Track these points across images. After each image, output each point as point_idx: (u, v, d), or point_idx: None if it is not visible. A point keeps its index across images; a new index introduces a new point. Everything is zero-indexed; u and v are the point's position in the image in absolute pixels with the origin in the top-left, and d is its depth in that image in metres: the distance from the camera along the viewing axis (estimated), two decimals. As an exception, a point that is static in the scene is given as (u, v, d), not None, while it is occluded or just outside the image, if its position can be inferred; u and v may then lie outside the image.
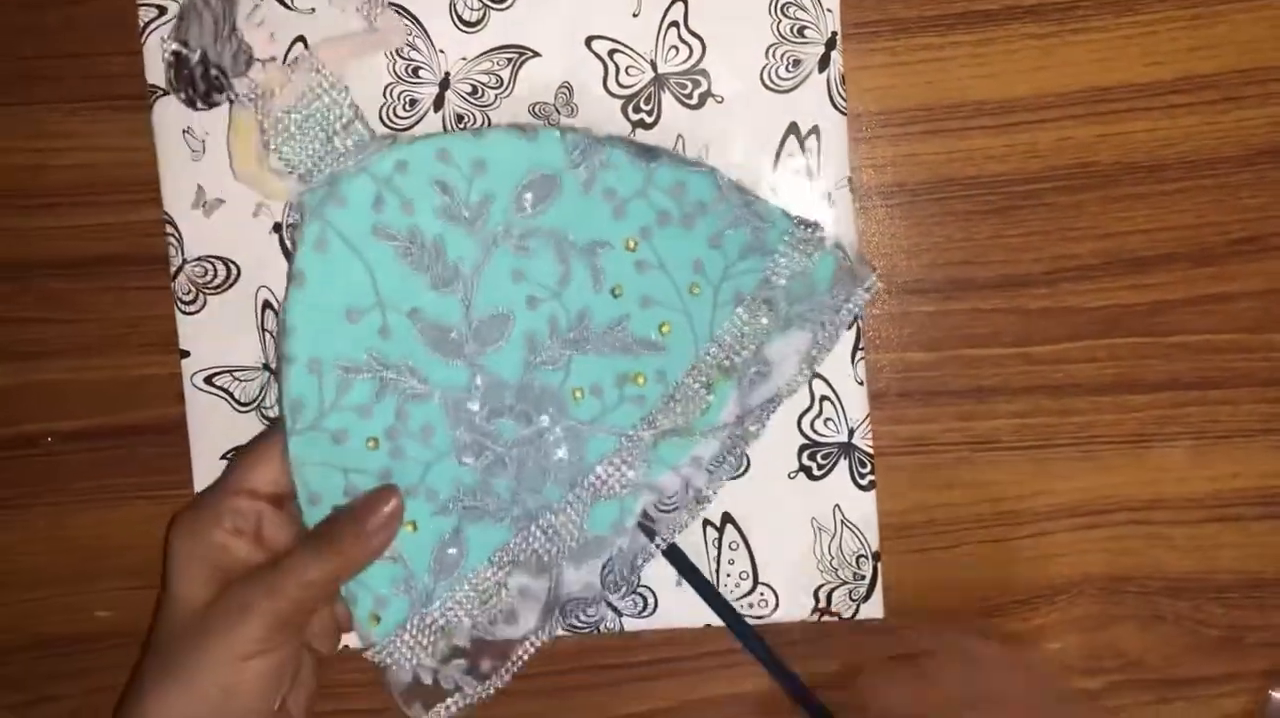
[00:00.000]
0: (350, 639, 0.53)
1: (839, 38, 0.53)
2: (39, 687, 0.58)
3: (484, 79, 0.53)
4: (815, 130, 0.53)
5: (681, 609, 0.54)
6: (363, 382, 0.50)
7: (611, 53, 0.53)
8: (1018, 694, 0.49)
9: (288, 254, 0.53)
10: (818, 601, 0.55)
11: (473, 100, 0.53)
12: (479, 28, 0.53)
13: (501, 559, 0.51)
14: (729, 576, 0.55)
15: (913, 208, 0.55)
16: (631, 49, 0.53)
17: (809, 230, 0.52)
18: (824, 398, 0.54)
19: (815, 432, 0.54)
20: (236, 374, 0.54)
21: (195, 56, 0.51)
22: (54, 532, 0.57)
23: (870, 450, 0.54)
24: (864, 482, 0.54)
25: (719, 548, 0.55)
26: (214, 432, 0.55)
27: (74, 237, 0.55)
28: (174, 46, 0.51)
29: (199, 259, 0.54)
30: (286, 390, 0.50)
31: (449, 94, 0.53)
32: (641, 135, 0.53)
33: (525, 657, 0.51)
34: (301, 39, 0.53)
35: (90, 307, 0.56)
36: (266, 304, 0.54)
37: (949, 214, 0.55)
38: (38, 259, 0.55)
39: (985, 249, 0.55)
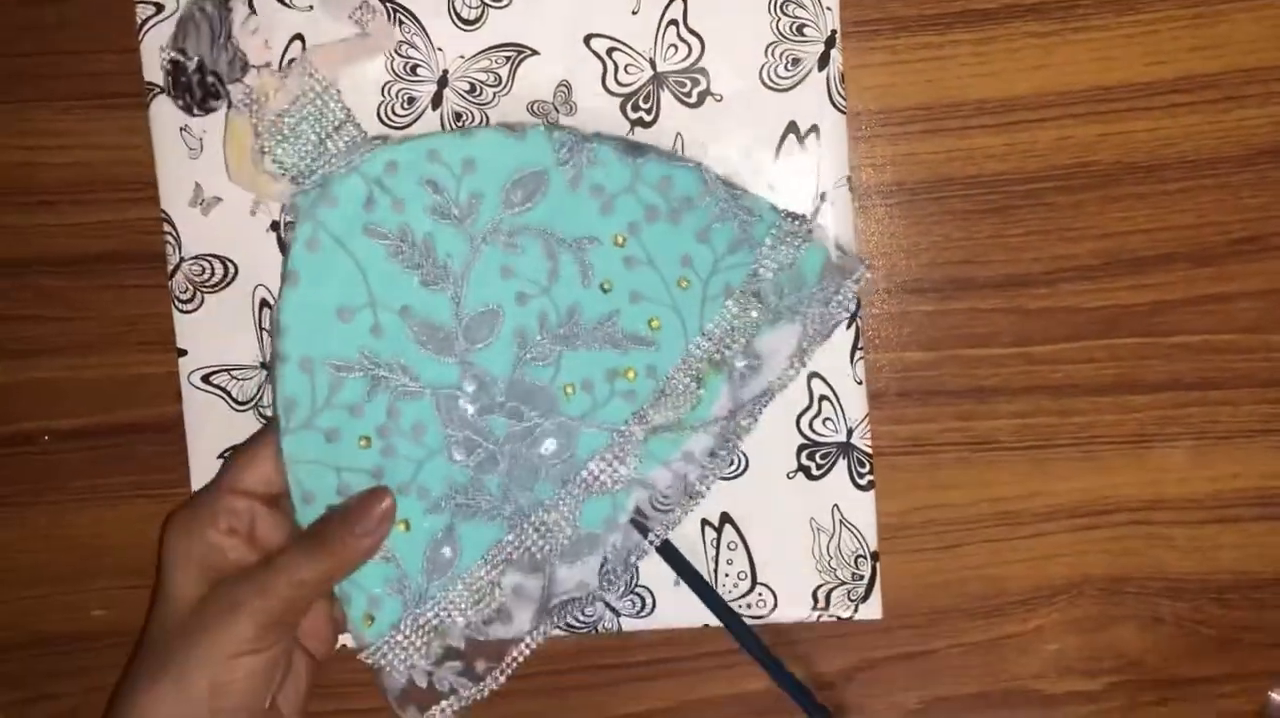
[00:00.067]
0: (349, 639, 0.53)
1: (838, 36, 0.53)
2: (38, 685, 0.58)
3: (482, 77, 0.53)
4: (814, 129, 0.53)
5: (680, 609, 0.54)
6: (354, 380, 0.50)
7: (610, 51, 0.53)
8: None
9: (285, 253, 0.53)
10: (816, 601, 0.55)
11: (471, 99, 0.53)
12: (477, 26, 0.53)
13: (494, 558, 0.51)
14: (727, 575, 0.55)
15: (912, 207, 0.55)
16: (630, 47, 0.53)
17: (796, 223, 0.52)
18: (823, 398, 0.54)
19: (814, 431, 0.54)
20: (234, 373, 0.54)
21: (192, 64, 0.52)
22: (51, 530, 0.57)
23: (869, 450, 0.54)
24: (863, 482, 0.54)
25: (717, 548, 0.55)
26: (211, 430, 0.55)
27: (71, 234, 0.55)
28: (172, 55, 0.52)
29: (196, 257, 0.54)
30: (279, 389, 0.50)
31: (447, 92, 0.53)
32: (640, 134, 0.53)
33: (520, 658, 0.51)
34: (299, 37, 0.53)
35: (87, 305, 0.56)
36: (264, 302, 0.54)
37: (948, 213, 0.55)
38: (35, 257, 0.55)
39: (985, 249, 0.55)
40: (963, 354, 0.55)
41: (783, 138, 0.53)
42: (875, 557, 0.55)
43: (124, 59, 0.54)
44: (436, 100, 0.53)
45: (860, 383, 0.54)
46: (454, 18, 0.53)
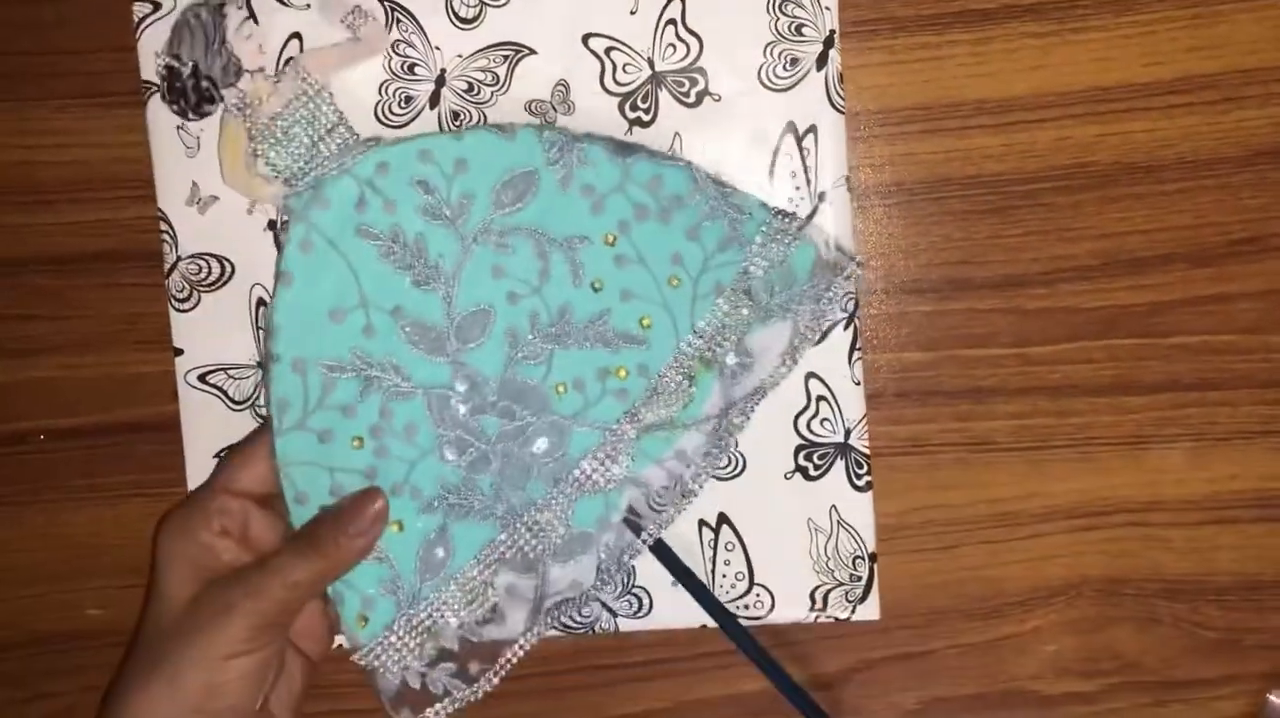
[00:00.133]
0: (345, 639, 0.53)
1: (837, 36, 0.53)
2: (35, 684, 0.58)
3: (480, 76, 0.53)
4: (813, 129, 0.53)
5: (677, 610, 0.54)
6: (347, 380, 0.50)
7: (609, 50, 0.53)
8: None
9: (279, 254, 0.53)
10: (814, 602, 0.55)
11: (469, 98, 0.53)
12: (475, 25, 0.53)
13: (487, 557, 0.51)
14: (725, 576, 0.55)
15: (910, 207, 0.55)
16: (629, 47, 0.53)
17: (787, 221, 0.52)
18: (820, 398, 0.54)
19: (811, 432, 0.54)
20: (230, 372, 0.54)
21: (187, 69, 0.52)
22: (48, 529, 0.57)
23: (867, 451, 0.54)
24: (861, 482, 0.54)
25: (715, 548, 0.55)
26: (208, 430, 0.54)
27: (68, 233, 0.55)
28: (167, 60, 0.53)
29: (193, 256, 0.54)
30: (272, 390, 0.50)
31: (445, 91, 0.53)
32: (639, 134, 0.53)
33: (514, 659, 0.51)
34: (297, 36, 0.53)
35: (84, 304, 0.56)
36: (261, 302, 0.54)
37: (947, 213, 0.55)
38: (31, 256, 0.55)
39: (983, 249, 0.55)
40: (961, 355, 0.55)
41: (781, 138, 0.53)
42: (873, 558, 0.55)
43: (121, 58, 0.54)
44: (434, 99, 0.53)
45: (858, 383, 0.54)
46: (452, 16, 0.53)
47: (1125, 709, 0.56)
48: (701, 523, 0.55)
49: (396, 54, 0.53)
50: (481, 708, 0.51)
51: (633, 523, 0.52)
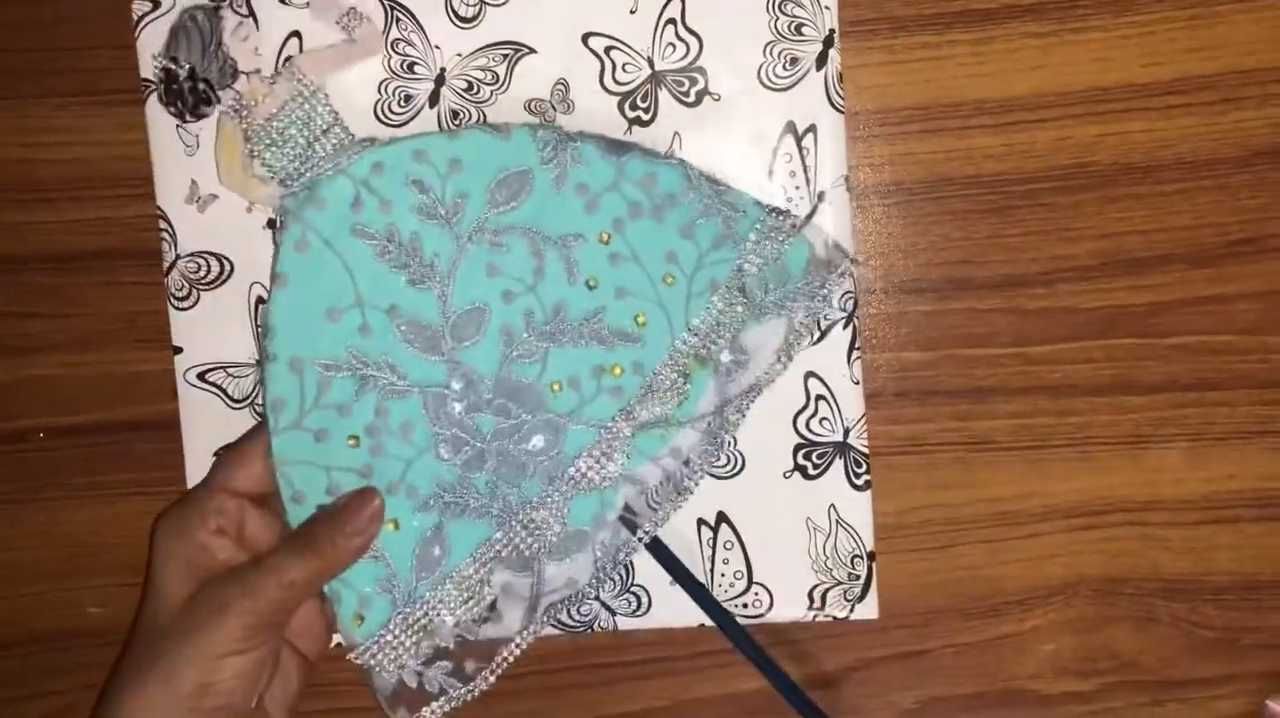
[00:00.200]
0: (342, 637, 0.53)
1: (837, 35, 0.53)
2: (34, 682, 0.58)
3: (480, 75, 0.53)
4: (812, 129, 0.53)
5: (675, 609, 0.54)
6: (342, 379, 0.51)
7: (608, 50, 0.53)
8: None
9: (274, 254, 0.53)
10: (812, 601, 0.55)
11: (468, 97, 0.53)
12: (475, 23, 0.53)
13: (483, 556, 0.51)
14: (723, 575, 0.55)
15: (910, 207, 0.55)
16: (628, 46, 0.53)
17: (781, 218, 0.52)
18: (819, 397, 0.54)
19: (810, 431, 0.54)
20: (230, 370, 0.54)
21: (184, 72, 0.53)
22: (48, 527, 0.57)
23: (866, 450, 0.54)
24: (859, 482, 0.54)
25: (713, 547, 0.55)
26: (207, 428, 0.54)
27: (68, 231, 0.55)
28: (164, 63, 0.53)
29: (192, 255, 0.54)
30: (268, 390, 0.50)
31: (444, 90, 0.53)
32: (638, 133, 0.53)
33: (510, 658, 0.51)
34: (297, 34, 0.53)
35: (84, 302, 0.56)
36: (260, 300, 0.54)
37: (946, 213, 0.55)
38: (31, 254, 0.55)
39: (983, 249, 0.55)
40: (960, 354, 0.55)
41: (781, 137, 0.53)
42: (871, 557, 0.55)
43: (121, 55, 0.54)
44: (434, 98, 0.53)
45: (857, 383, 0.54)
46: (451, 15, 0.53)
47: (1123, 709, 0.56)
48: (700, 522, 0.55)
49: (396, 53, 0.53)
50: (479, 707, 0.51)
51: (629, 521, 0.52)
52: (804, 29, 0.53)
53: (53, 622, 0.57)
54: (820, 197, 0.53)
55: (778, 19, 0.53)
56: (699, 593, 0.52)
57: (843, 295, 0.54)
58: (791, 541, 0.55)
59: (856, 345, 0.54)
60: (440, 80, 0.53)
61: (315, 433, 0.50)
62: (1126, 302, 0.55)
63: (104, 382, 0.56)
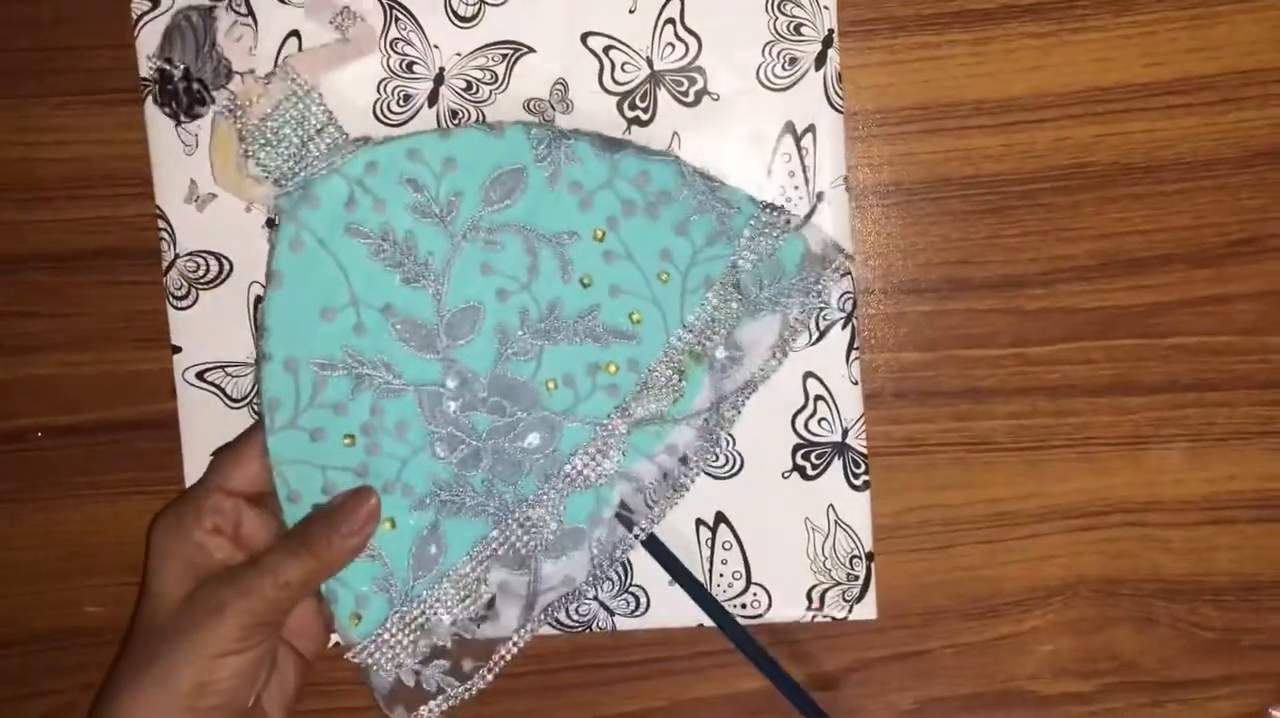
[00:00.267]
0: (339, 637, 0.53)
1: (836, 35, 0.53)
2: (34, 681, 0.58)
3: (479, 75, 0.53)
4: (811, 129, 0.53)
5: (674, 609, 0.54)
6: (338, 379, 0.51)
7: (607, 49, 0.53)
8: None
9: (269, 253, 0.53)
10: (811, 601, 0.55)
11: (467, 96, 0.53)
12: (474, 23, 0.53)
13: (480, 554, 0.51)
14: (722, 575, 0.55)
15: (909, 207, 0.55)
16: (627, 46, 0.53)
17: (775, 214, 0.52)
18: (818, 397, 0.54)
19: (809, 431, 0.54)
20: (229, 370, 0.54)
21: (178, 72, 0.53)
22: (47, 527, 0.57)
23: (864, 451, 0.54)
24: (858, 482, 0.54)
25: (712, 547, 0.55)
26: (206, 428, 0.54)
27: (67, 230, 0.55)
28: (159, 64, 0.53)
29: (191, 254, 0.54)
30: (264, 389, 0.50)
31: (443, 90, 0.53)
32: (637, 133, 0.53)
33: (507, 657, 0.51)
34: (296, 33, 0.53)
35: (83, 301, 0.56)
36: (259, 299, 0.54)
37: (945, 214, 0.55)
38: (30, 253, 0.55)
39: (982, 249, 0.55)
40: (959, 355, 0.55)
41: (780, 137, 0.53)
42: (870, 557, 0.55)
43: (120, 55, 0.54)
44: (433, 98, 0.53)
45: (856, 383, 0.54)
46: (450, 15, 0.53)
47: (1122, 710, 0.56)
48: (699, 522, 0.55)
49: (395, 52, 0.53)
50: (478, 706, 0.51)
51: (625, 518, 0.52)
52: (803, 29, 0.53)
53: (52, 621, 0.57)
54: (819, 197, 0.53)
55: (777, 19, 0.53)
56: (697, 591, 0.52)
57: (841, 296, 0.54)
58: (790, 541, 0.54)
59: (855, 346, 0.54)
60: (439, 80, 0.53)
61: (311, 432, 0.50)
62: (1126, 302, 0.55)
63: (103, 381, 0.56)
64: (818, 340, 0.54)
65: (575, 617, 0.55)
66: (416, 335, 0.51)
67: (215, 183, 0.53)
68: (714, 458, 0.54)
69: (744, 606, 0.55)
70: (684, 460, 0.52)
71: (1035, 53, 0.54)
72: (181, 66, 0.52)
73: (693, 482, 0.52)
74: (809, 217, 0.53)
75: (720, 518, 0.54)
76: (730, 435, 0.54)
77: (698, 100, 0.53)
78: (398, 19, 0.53)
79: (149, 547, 0.49)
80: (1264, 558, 0.56)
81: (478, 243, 0.51)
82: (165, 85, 0.53)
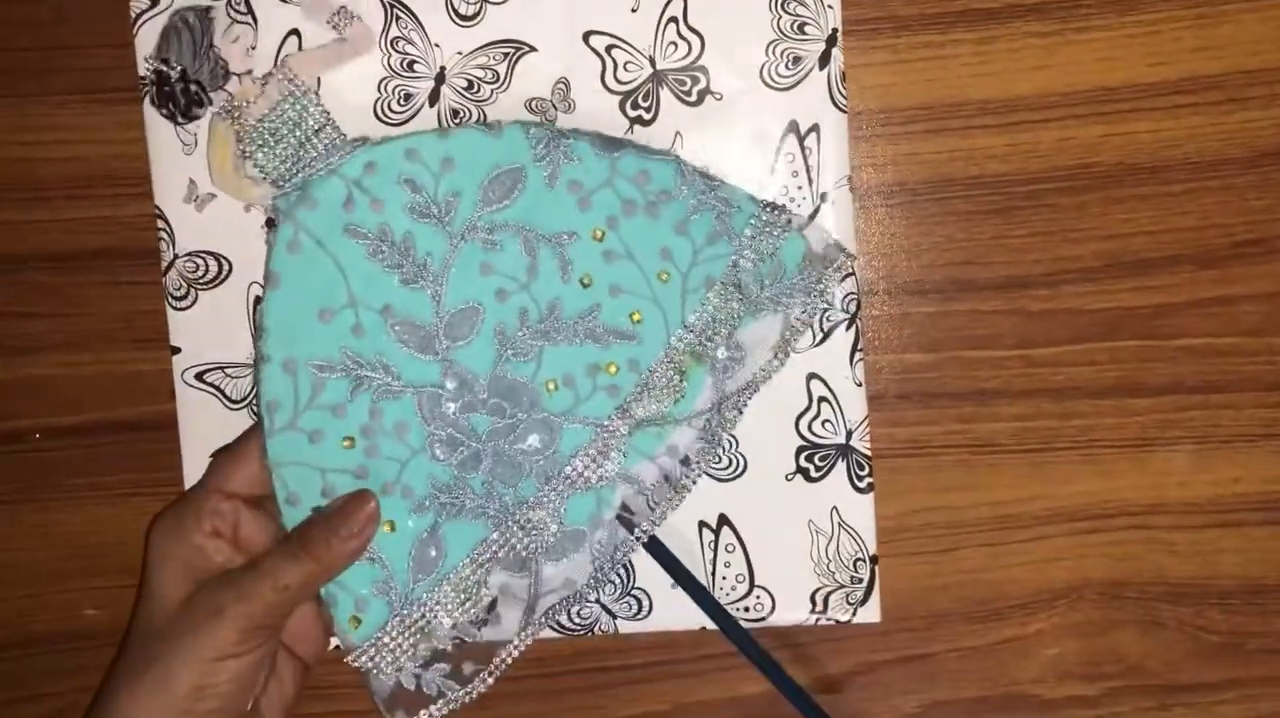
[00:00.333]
0: (339, 640, 0.53)
1: (840, 35, 0.53)
2: (33, 684, 0.58)
3: (480, 74, 0.53)
4: (815, 128, 0.53)
5: (677, 612, 0.54)
6: (336, 380, 0.50)
7: (609, 48, 0.53)
8: None
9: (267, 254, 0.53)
10: (814, 604, 0.54)
11: (468, 95, 0.53)
12: (475, 22, 0.53)
13: (480, 557, 0.51)
14: (725, 578, 0.54)
15: (913, 207, 0.54)
16: (630, 45, 0.53)
17: (776, 213, 0.52)
18: (822, 399, 0.54)
19: (813, 433, 0.54)
20: (228, 371, 0.54)
21: (175, 73, 0.53)
22: (46, 528, 0.57)
23: (868, 453, 0.54)
24: (862, 484, 0.54)
25: (715, 550, 0.54)
26: (205, 429, 0.54)
27: (67, 230, 0.55)
28: (156, 65, 0.53)
29: (190, 254, 0.54)
30: (263, 391, 0.50)
31: (444, 89, 0.53)
32: (639, 132, 0.53)
33: (508, 660, 0.51)
34: (295, 33, 0.53)
35: (83, 301, 0.55)
36: (258, 300, 0.54)
37: (950, 214, 0.54)
38: (30, 253, 0.55)
39: (986, 250, 0.54)
40: (963, 356, 0.55)
41: (783, 137, 0.53)
42: (874, 560, 0.54)
43: (120, 54, 0.54)
44: (434, 97, 0.53)
45: (860, 385, 0.54)
46: (451, 14, 0.53)
47: (1127, 713, 0.56)
48: (702, 524, 0.54)
49: (396, 51, 0.53)
50: (479, 709, 0.51)
51: (626, 520, 0.52)
52: (807, 28, 0.53)
53: (50, 624, 0.57)
54: (823, 197, 0.53)
55: (780, 18, 0.53)
56: (699, 594, 0.52)
57: (845, 297, 0.53)
58: (793, 543, 0.54)
59: (859, 347, 0.54)
60: (440, 79, 0.53)
61: (310, 434, 0.50)
62: (1131, 303, 0.54)
63: (103, 381, 0.56)
64: (821, 342, 0.54)
65: (577, 620, 0.55)
66: (415, 337, 0.51)
67: (213, 184, 0.53)
68: (716, 460, 0.54)
69: (747, 608, 0.54)
70: (685, 462, 0.52)
71: (1040, 52, 0.53)
72: (178, 68, 0.52)
73: (694, 483, 0.52)
74: (813, 217, 0.53)
75: (723, 520, 0.54)
76: (733, 437, 0.54)
77: (700, 100, 0.53)
78: (399, 18, 0.53)
79: (147, 549, 0.49)
80: (1270, 561, 0.55)
81: (476, 243, 0.51)
82: (162, 87, 0.53)
